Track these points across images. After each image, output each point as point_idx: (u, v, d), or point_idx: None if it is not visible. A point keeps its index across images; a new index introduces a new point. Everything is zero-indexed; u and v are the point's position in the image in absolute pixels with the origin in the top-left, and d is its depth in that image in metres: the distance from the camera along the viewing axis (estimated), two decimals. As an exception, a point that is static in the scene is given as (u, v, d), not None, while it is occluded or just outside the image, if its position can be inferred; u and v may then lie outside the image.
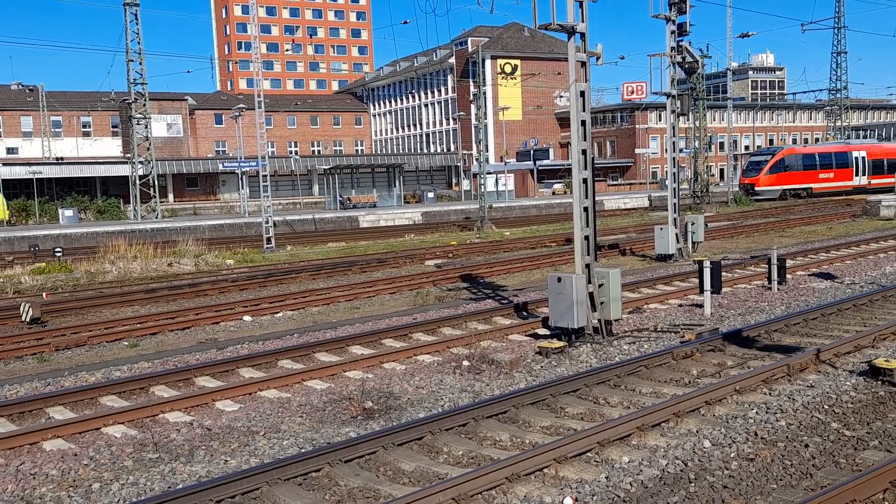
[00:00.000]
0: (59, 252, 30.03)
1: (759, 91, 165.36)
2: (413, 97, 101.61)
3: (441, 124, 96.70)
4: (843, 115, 79.32)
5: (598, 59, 13.83)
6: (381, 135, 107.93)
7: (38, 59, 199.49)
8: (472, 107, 58.52)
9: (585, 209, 13.19)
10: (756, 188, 57.88)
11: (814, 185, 59.43)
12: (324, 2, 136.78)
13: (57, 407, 10.39)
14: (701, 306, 15.40)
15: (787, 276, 18.30)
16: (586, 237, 13.18)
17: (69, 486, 7.77)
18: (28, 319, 16.71)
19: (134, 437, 9.18)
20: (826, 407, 9.04)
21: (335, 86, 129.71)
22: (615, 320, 13.49)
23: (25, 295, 21.57)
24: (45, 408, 10.36)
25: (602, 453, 7.84)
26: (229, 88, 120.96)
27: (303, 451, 8.31)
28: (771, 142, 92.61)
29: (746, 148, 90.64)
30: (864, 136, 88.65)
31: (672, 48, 22.91)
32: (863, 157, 62.10)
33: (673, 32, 22.84)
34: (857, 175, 61.76)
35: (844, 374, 10.29)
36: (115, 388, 11.05)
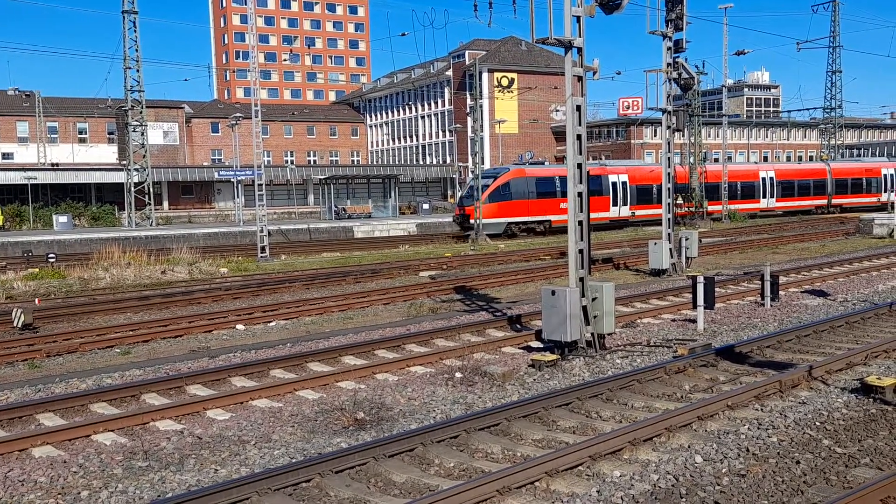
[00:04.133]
0: (53, 258, 29.97)
1: (754, 108, 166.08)
2: (409, 109, 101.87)
3: (437, 136, 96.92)
4: (837, 134, 79.68)
5: (594, 73, 13.87)
6: (377, 146, 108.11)
7: (35, 65, 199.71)
8: (469, 119, 58.59)
9: (580, 223, 13.23)
10: (472, 220, 43.92)
11: (553, 217, 45.59)
12: (322, 13, 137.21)
13: (47, 413, 10.35)
14: (694, 321, 15.42)
15: (780, 292, 18.35)
16: (580, 251, 13.20)
17: (58, 493, 7.73)
18: (20, 325, 16.64)
19: (124, 445, 9.14)
20: (818, 424, 9.05)
21: (332, 96, 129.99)
22: (608, 334, 13.50)
23: (17, 300, 21.49)
24: (35, 414, 10.32)
25: (594, 467, 7.83)
26: (226, 97, 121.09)
27: (293, 461, 8.29)
28: (765, 158, 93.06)
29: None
30: (859, 155, 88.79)
31: (668, 64, 23.04)
32: (623, 183, 49.82)
33: (669, 49, 22.97)
34: (614, 205, 49.42)
35: (836, 391, 10.31)
36: (106, 395, 11.01)
